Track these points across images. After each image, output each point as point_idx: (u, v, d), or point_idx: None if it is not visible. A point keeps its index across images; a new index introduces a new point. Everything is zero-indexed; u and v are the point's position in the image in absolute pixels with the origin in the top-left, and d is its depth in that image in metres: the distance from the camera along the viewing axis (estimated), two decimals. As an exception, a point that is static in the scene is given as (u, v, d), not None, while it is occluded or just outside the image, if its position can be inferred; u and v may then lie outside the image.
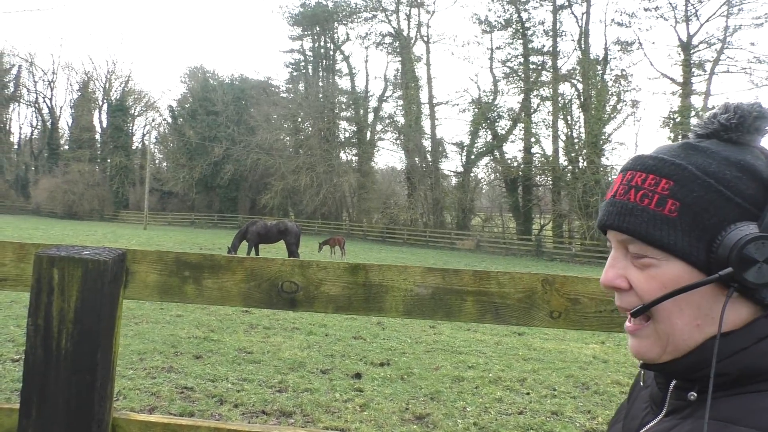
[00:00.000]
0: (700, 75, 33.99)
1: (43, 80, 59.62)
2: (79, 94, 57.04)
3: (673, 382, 0.78)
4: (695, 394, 0.74)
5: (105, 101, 57.07)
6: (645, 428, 0.80)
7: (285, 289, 1.28)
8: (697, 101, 33.81)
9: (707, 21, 34.00)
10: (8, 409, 1.30)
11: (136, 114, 58.50)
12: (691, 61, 33.66)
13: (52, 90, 60.05)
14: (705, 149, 0.76)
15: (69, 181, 51.32)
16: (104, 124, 56.93)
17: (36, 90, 59.39)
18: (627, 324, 0.80)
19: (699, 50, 34.00)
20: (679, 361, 0.76)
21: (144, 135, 58.78)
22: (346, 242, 24.17)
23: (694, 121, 32.01)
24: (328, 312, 1.27)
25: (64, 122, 60.74)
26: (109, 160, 56.04)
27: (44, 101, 59.29)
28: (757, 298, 0.72)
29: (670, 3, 33.96)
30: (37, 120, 60.82)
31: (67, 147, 57.56)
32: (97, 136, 57.54)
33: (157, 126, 58.75)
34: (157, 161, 56.90)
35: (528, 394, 5.86)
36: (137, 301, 9.57)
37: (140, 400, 5.02)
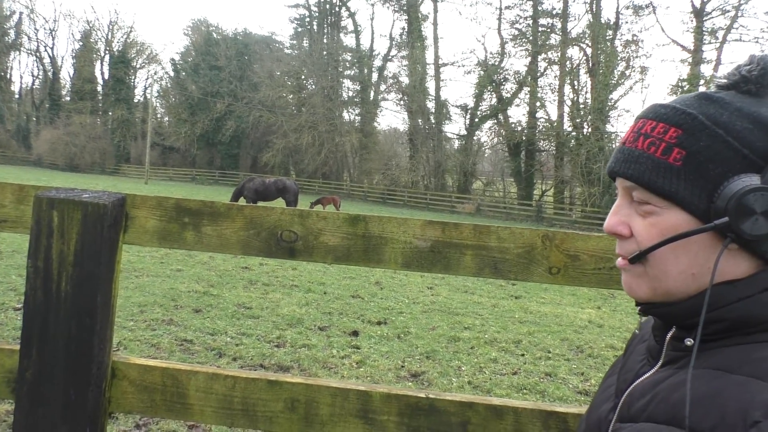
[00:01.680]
0: (711, 43, 33.44)
1: (45, 28, 59.06)
2: (81, 44, 56.23)
3: (670, 333, 0.79)
4: (692, 340, 0.74)
5: (107, 52, 56.30)
6: (641, 378, 0.80)
7: (284, 238, 1.27)
8: (706, 70, 33.35)
9: (722, -13, 33.10)
10: (9, 350, 1.32)
11: (138, 66, 57.84)
12: (704, 29, 33.05)
13: (53, 39, 59.68)
14: (719, 99, 0.75)
15: (70, 133, 51.03)
16: (106, 76, 56.29)
17: (37, 38, 58.60)
18: (618, 260, 0.81)
19: (712, 17, 33.36)
20: (678, 306, 0.76)
21: (146, 88, 58.30)
22: (342, 202, 23.80)
23: (702, 89, 31.61)
24: (327, 262, 1.27)
25: (66, 73, 60.26)
26: (110, 113, 55.61)
27: (45, 50, 58.57)
28: (758, 252, 0.71)
29: (684, -33, 33.14)
30: (38, 69, 60.14)
31: (68, 98, 57.04)
32: (99, 88, 56.94)
33: (159, 79, 58.17)
34: (158, 115, 56.45)
35: (523, 355, 5.95)
36: (138, 253, 9.66)
37: (140, 351, 5.09)
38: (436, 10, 43.90)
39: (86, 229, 1.21)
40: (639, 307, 0.83)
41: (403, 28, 45.39)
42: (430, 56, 43.75)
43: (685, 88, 32.21)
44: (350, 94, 48.60)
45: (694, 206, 0.72)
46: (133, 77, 57.21)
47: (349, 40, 49.46)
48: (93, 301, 1.23)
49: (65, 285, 1.23)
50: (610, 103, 34.09)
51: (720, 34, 33.11)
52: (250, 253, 1.28)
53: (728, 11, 32.74)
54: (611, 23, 35.49)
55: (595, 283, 1.22)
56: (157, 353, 5.08)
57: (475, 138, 41.62)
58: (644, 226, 0.76)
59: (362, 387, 1.26)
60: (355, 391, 1.26)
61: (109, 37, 56.46)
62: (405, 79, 44.74)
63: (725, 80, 0.79)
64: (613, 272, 1.21)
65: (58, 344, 1.24)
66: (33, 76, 61.27)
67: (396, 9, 45.80)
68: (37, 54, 58.72)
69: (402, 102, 45.02)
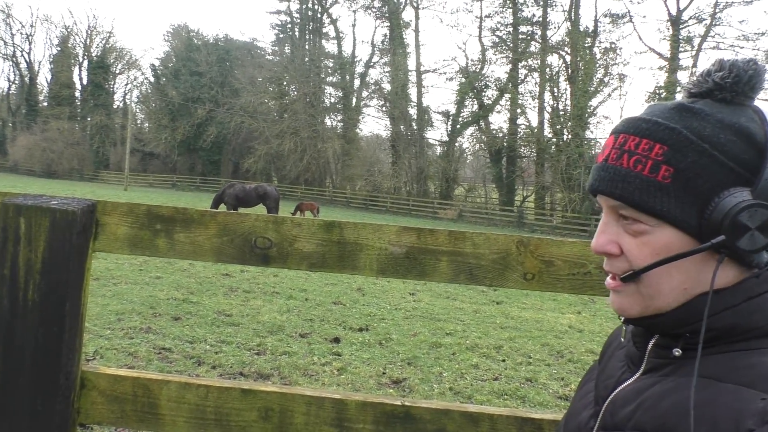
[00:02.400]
0: (687, 50, 34.02)
1: (21, 33, 58.19)
2: (59, 49, 55.61)
3: (653, 341, 0.79)
4: (680, 351, 0.73)
5: (85, 58, 55.71)
6: (622, 386, 0.80)
7: (258, 244, 1.26)
8: (683, 77, 33.90)
9: (698, -4, 33.72)
10: (-25, 360, 1.28)
11: (117, 72, 57.30)
12: (680, 36, 33.61)
13: (30, 44, 58.73)
14: (699, 111, 0.74)
15: (48, 139, 50.36)
16: (84, 81, 55.66)
17: (13, 43, 57.78)
18: (609, 281, 0.80)
19: (688, 25, 33.96)
20: (665, 316, 0.75)
21: (125, 94, 57.72)
22: (324, 208, 23.58)
23: (679, 96, 32.12)
24: (302, 269, 1.26)
25: (43, 78, 59.56)
26: (89, 119, 54.95)
27: (22, 55, 57.89)
28: (747, 261, 0.72)
29: (661, -24, 33.68)
30: (14, 75, 59.40)
31: (46, 104, 56.30)
32: (77, 94, 56.28)
33: (139, 85, 57.71)
34: (138, 121, 55.94)
35: (504, 361, 5.96)
36: (116, 261, 9.53)
37: (117, 359, 5.01)
38: (417, 17, 44.19)
39: (54, 237, 1.19)
40: (623, 318, 0.82)
41: (385, 35, 45.59)
42: (411, 63, 43.98)
43: (662, 95, 32.71)
44: (332, 100, 48.60)
45: (686, 224, 0.72)
46: (112, 83, 56.66)
47: (330, 47, 49.56)
48: (61, 310, 1.20)
49: (32, 293, 1.20)
50: (589, 110, 34.48)
51: (696, 41, 33.74)
52: (224, 260, 1.27)
53: (704, 19, 33.38)
54: (590, 31, 35.95)
55: (570, 289, 1.22)
56: (134, 362, 5.00)
57: (456, 144, 41.86)
58: (636, 245, 0.75)
59: (337, 395, 1.25)
60: (331, 399, 1.24)
61: (88, 42, 55.90)
62: (387, 86, 44.86)
63: (697, 88, 0.77)
64: (586, 278, 1.22)
65: (24, 354, 1.21)
66: (9, 81, 60.56)
67: (378, 16, 45.99)
68: (14, 59, 57.98)
69: (384, 108, 45.12)
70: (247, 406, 1.25)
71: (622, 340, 0.87)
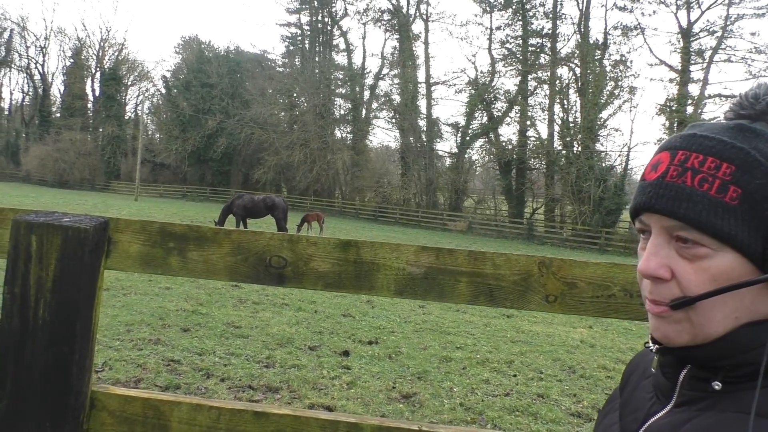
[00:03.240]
0: (698, 63, 33.89)
1: (35, 45, 58.77)
2: (72, 61, 56.23)
3: (685, 371, 0.75)
4: (720, 384, 0.69)
5: (98, 69, 56.30)
6: (654, 418, 0.76)
7: (273, 263, 1.23)
8: (694, 89, 33.77)
9: (708, 9, 33.62)
10: (-16, 379, 1.26)
11: (129, 83, 57.80)
12: (691, 49, 33.52)
13: (44, 56, 59.42)
14: (762, 133, 0.71)
15: (60, 150, 50.81)
16: (97, 93, 56.21)
17: (27, 55, 58.56)
18: (652, 306, 0.74)
19: (699, 38, 33.86)
20: (707, 347, 0.71)
21: (137, 105, 58.18)
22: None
23: (690, 109, 32.00)
24: (317, 289, 1.23)
25: (56, 89, 60.03)
26: (101, 130, 55.41)
27: (36, 67, 58.52)
28: None
29: (672, -11, 33.68)
30: (28, 86, 60.08)
31: (58, 115, 56.88)
32: (90, 105, 56.84)
33: (150, 96, 58.18)
34: (149, 132, 56.34)
35: (515, 376, 5.89)
36: (124, 272, 9.53)
37: (126, 371, 4.99)
38: (427, 30, 44.34)
39: (66, 255, 1.17)
40: (656, 346, 0.78)
41: (395, 47, 45.77)
42: (421, 75, 44.10)
43: (673, 108, 32.57)
44: (342, 111, 48.76)
45: (752, 249, 0.68)
46: (124, 94, 57.15)
47: (340, 59, 49.78)
48: (72, 329, 1.18)
49: (43, 312, 1.18)
50: (599, 122, 34.38)
51: (707, 54, 33.60)
52: (237, 279, 1.24)
53: (715, 32, 33.27)
54: (600, 44, 35.93)
55: (593, 312, 1.18)
56: (143, 374, 4.98)
57: (466, 156, 41.80)
58: (693, 270, 0.70)
59: (352, 419, 1.21)
60: (345, 423, 1.21)
61: (101, 54, 56.48)
62: (396, 98, 44.98)
63: (748, 110, 0.74)
64: (611, 300, 1.18)
65: (34, 374, 1.19)
66: (23, 92, 61.14)
67: (387, 28, 46.20)
68: (28, 71, 58.71)
69: (393, 120, 45.21)
70: (259, 430, 1.22)
71: (653, 370, 0.82)
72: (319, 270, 1.23)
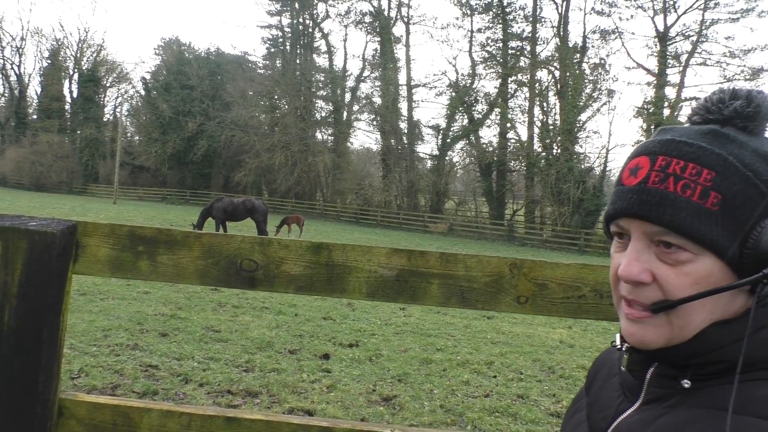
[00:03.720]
0: (675, 66, 34.41)
1: (11, 46, 57.72)
2: (49, 62, 55.33)
3: (652, 369, 0.76)
4: (689, 382, 0.71)
5: (76, 71, 55.47)
6: (623, 416, 0.77)
7: (244, 267, 1.22)
8: (670, 92, 34.28)
9: (684, 13, 34.30)
10: (-52, 387, 1.23)
11: (108, 85, 57.06)
12: (667, 53, 34.01)
13: (20, 57, 58.15)
14: (735, 138, 0.72)
15: (37, 152, 50.00)
16: (74, 95, 55.38)
17: (3, 56, 57.49)
18: (631, 311, 0.74)
19: (675, 42, 34.39)
20: (677, 347, 0.72)
21: (116, 107, 57.45)
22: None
23: (666, 111, 32.48)
24: (289, 292, 1.22)
25: (33, 91, 59.08)
26: (79, 132, 54.59)
27: (12, 68, 57.49)
28: (759, 290, 0.70)
29: (648, -7, 34.18)
30: (4, 87, 58.98)
31: (35, 117, 55.96)
32: (67, 107, 55.96)
33: (129, 98, 57.47)
34: (128, 134, 55.67)
35: (495, 377, 5.91)
36: (93, 276, 9.40)
37: (103, 377, 4.93)
38: (408, 32, 44.44)
39: (32, 260, 1.15)
40: (625, 345, 0.79)
41: (376, 50, 45.80)
42: (402, 77, 44.19)
43: (650, 110, 33.02)
44: (323, 114, 48.67)
45: (730, 253, 0.69)
46: (102, 96, 56.39)
47: (322, 61, 49.69)
48: (38, 336, 1.16)
49: (8, 318, 1.15)
50: (578, 125, 34.73)
51: (683, 58, 34.14)
52: (208, 283, 1.23)
53: (691, 36, 33.81)
54: (578, 47, 36.31)
55: (564, 313, 1.19)
56: (120, 380, 4.91)
57: (447, 158, 41.94)
58: (675, 274, 0.71)
59: (325, 423, 1.21)
60: (318, 427, 1.20)
61: (78, 55, 55.67)
62: (378, 100, 45.03)
63: (715, 115, 0.75)
64: (581, 301, 1.19)
65: None
66: (-2, 93, 60.02)
67: (369, 31, 46.23)
68: (3, 72, 57.64)
69: (375, 122, 45.22)
70: (231, 435, 1.21)
71: (623, 368, 0.83)
72: (291, 273, 1.22)
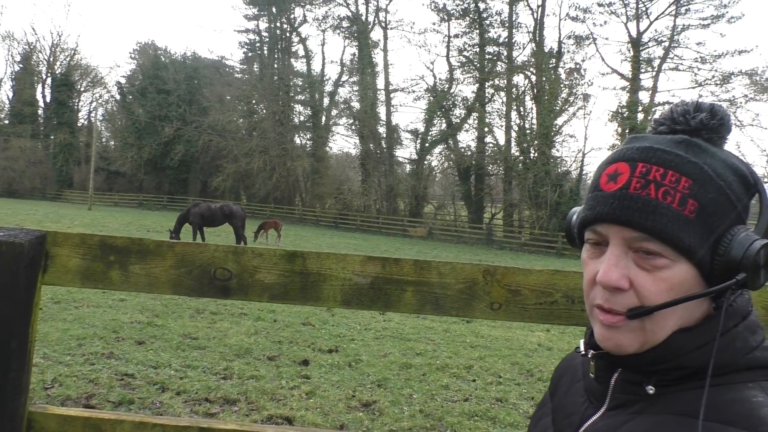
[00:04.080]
0: (648, 71, 35.00)
1: (-18, 50, 56.62)
2: (21, 66, 54.37)
3: (616, 375, 0.77)
4: (653, 388, 0.72)
5: (49, 75, 54.57)
6: (589, 422, 0.77)
7: (218, 276, 1.21)
8: (644, 97, 34.86)
9: (657, 19, 34.80)
10: None
11: (82, 89, 56.20)
12: (640, 58, 34.59)
13: (-9, 61, 57.10)
14: (706, 149, 0.74)
15: (9, 158, 49.08)
16: (48, 99, 54.46)
17: (-27, 60, 56.38)
18: (607, 317, 0.74)
19: (648, 47, 35.00)
20: (643, 354, 0.73)
21: (90, 112, 56.68)
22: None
23: (640, 116, 33.00)
24: (263, 301, 1.22)
25: (4, 95, 58.04)
26: (52, 137, 53.68)
27: (-18, 73, 56.40)
28: (726, 297, 0.73)
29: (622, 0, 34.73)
30: (-26, 92, 57.81)
31: (7, 122, 54.89)
32: (40, 111, 55.03)
33: (104, 103, 56.72)
34: (104, 139, 54.96)
35: (474, 381, 5.94)
36: (63, 287, 9.24)
37: (77, 387, 4.84)
38: (386, 37, 44.56)
39: (0, 270, 1.13)
40: (591, 351, 0.79)
41: (354, 55, 45.85)
42: (380, 82, 44.29)
43: (624, 115, 33.53)
44: (301, 118, 48.56)
45: (703, 260, 0.71)
46: (76, 100, 55.53)
47: (300, 66, 49.56)
48: (6, 347, 1.14)
49: (-25, 331, 1.13)
50: (554, 129, 35.12)
51: (656, 63, 34.75)
52: (181, 292, 1.22)
53: (663, 41, 34.43)
54: (554, 52, 36.77)
55: (537, 318, 1.20)
56: (95, 389, 4.83)
57: (425, 162, 42.12)
58: (653, 280, 0.72)
59: (300, 431, 1.20)
60: (293, 436, 1.20)
61: (52, 59, 54.77)
62: (356, 104, 45.08)
63: (682, 126, 0.76)
64: (553, 307, 1.20)
65: (-34, 395, 1.14)
66: (-31, 98, 58.74)
67: (347, 36, 46.27)
68: (-26, 76, 56.50)
69: (353, 127, 45.26)
70: (205, 446, 1.20)
71: (591, 375, 0.83)
72: (265, 282, 1.22)
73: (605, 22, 51.11)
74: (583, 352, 0.81)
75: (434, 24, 64.97)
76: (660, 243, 0.71)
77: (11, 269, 1.14)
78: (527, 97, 37.39)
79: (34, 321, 1.19)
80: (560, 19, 50.47)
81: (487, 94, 39.46)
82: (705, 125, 0.75)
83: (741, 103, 32.98)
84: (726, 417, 0.65)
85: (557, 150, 35.86)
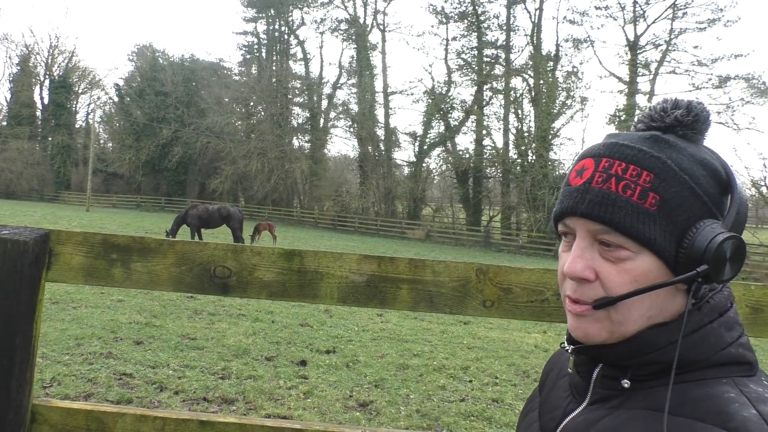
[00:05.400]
0: (645, 75, 35.08)
1: (-21, 52, 56.60)
2: (19, 68, 54.32)
3: (597, 370, 0.79)
4: (629, 382, 0.74)
5: (47, 77, 54.51)
6: (570, 417, 0.79)
7: (217, 273, 1.25)
8: (641, 100, 34.92)
9: (654, 22, 34.88)
10: None
11: (80, 91, 56.14)
12: (638, 61, 34.67)
13: (-11, 63, 57.00)
14: (674, 144, 0.76)
15: (7, 159, 49.04)
16: (46, 101, 54.39)
17: (-29, 62, 56.31)
18: (574, 306, 0.77)
19: (645, 51, 35.08)
20: (616, 347, 0.75)
21: (88, 113, 56.57)
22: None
23: (639, 113, 33.05)
24: (262, 298, 1.25)
25: (2, 97, 58.02)
26: (50, 139, 53.61)
27: (-20, 74, 56.34)
28: (694, 290, 0.73)
29: (619, 3, 34.85)
30: (-28, 94, 57.72)
31: (5, 123, 54.84)
32: (38, 113, 54.96)
33: (102, 105, 56.64)
34: (101, 141, 54.89)
35: (471, 381, 5.97)
36: (66, 284, 9.27)
37: (75, 386, 4.86)
38: (384, 40, 44.63)
39: (4, 268, 1.16)
40: (571, 347, 0.82)
41: (352, 57, 45.89)
42: (379, 84, 44.34)
43: (622, 118, 33.60)
44: (300, 120, 48.60)
45: (667, 252, 0.73)
46: (74, 102, 55.47)
47: (298, 68, 49.64)
48: (11, 343, 1.17)
49: (-19, 326, 1.16)
50: (552, 131, 35.19)
51: (653, 66, 34.84)
52: (182, 289, 1.25)
53: (660, 45, 34.51)
54: (552, 55, 36.87)
55: (528, 316, 1.23)
56: (93, 389, 4.85)
57: (424, 165, 42.17)
58: (616, 272, 0.74)
59: (297, 425, 1.24)
60: (291, 429, 1.23)
61: (50, 61, 54.69)
62: (354, 107, 45.13)
63: (659, 122, 0.79)
64: (545, 305, 1.24)
65: (-28, 389, 1.17)
66: (-33, 100, 58.64)
67: (345, 38, 46.35)
68: (-28, 78, 56.40)
69: (352, 129, 45.28)
70: (205, 439, 1.23)
71: (570, 370, 0.86)
72: (264, 279, 1.25)
73: (602, 26, 51.39)
74: (567, 348, 0.83)
75: (432, 27, 65.26)
76: (619, 235, 0.73)
77: (16, 267, 1.16)
78: (525, 100, 37.48)
79: (38, 317, 1.22)
80: (558, 22, 50.79)
81: (485, 97, 39.56)
82: (680, 122, 0.78)
83: (738, 106, 33.07)
84: (696, 413, 0.66)
85: (555, 153, 35.97)
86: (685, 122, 0.78)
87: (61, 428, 1.24)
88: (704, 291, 0.76)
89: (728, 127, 32.16)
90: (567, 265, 0.77)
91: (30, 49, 55.07)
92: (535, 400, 0.93)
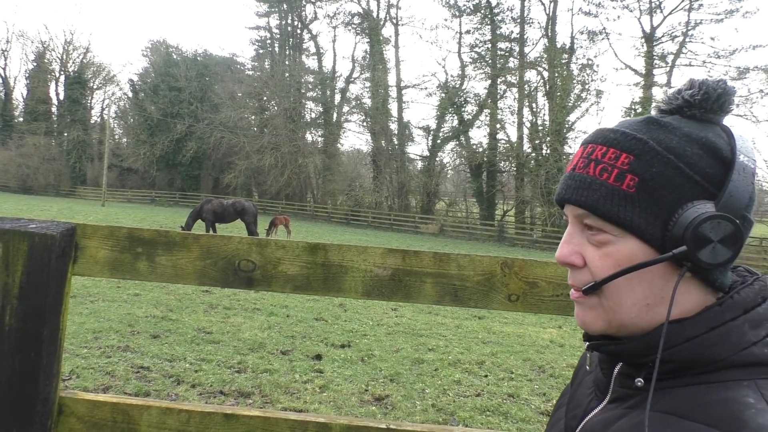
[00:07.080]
0: (662, 67, 34.69)
1: (-4, 49, 57.16)
2: (35, 64, 54.86)
3: (617, 368, 0.76)
4: (642, 381, 0.71)
5: (62, 73, 55.02)
6: (590, 415, 0.78)
7: (242, 267, 1.25)
8: (658, 93, 34.54)
9: (670, 14, 34.45)
10: (-52, 388, 1.24)
11: (95, 87, 56.61)
12: (654, 53, 34.29)
13: (5, 59, 57.91)
14: (667, 124, 0.74)
15: (23, 155, 49.63)
16: (61, 97, 54.93)
17: (-12, 59, 56.97)
18: (572, 293, 0.78)
19: (662, 42, 34.66)
20: (629, 344, 0.73)
21: (103, 109, 57.03)
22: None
23: (653, 112, 32.75)
24: (286, 291, 1.25)
25: (19, 93, 58.54)
26: (66, 134, 54.16)
27: (-3, 71, 56.95)
28: (710, 279, 0.70)
29: (635, -6, 34.45)
30: (-11, 90, 58.35)
31: (21, 119, 55.47)
32: (54, 109, 55.51)
33: (117, 100, 57.03)
34: (116, 136, 55.29)
35: (486, 376, 5.96)
36: (93, 277, 9.37)
37: (94, 379, 4.92)
38: (397, 34, 44.49)
39: (33, 261, 1.17)
40: (588, 343, 0.80)
41: (365, 51, 45.82)
42: (392, 78, 44.21)
43: (638, 111, 33.27)
44: (313, 115, 48.62)
45: (649, 234, 0.70)
46: (89, 98, 55.95)
47: (311, 62, 49.64)
48: (39, 336, 1.18)
49: (9, 319, 1.17)
50: (567, 125, 34.92)
51: (669, 58, 34.43)
52: (206, 283, 1.25)
53: (677, 37, 34.10)
54: (566, 48, 36.51)
55: (554, 310, 1.22)
56: (111, 381, 4.91)
57: (437, 159, 42.00)
58: (599, 256, 0.73)
59: (322, 419, 1.24)
60: (315, 423, 1.23)
61: (65, 57, 55.20)
62: (368, 101, 45.03)
63: (667, 105, 0.78)
64: (570, 299, 1.22)
65: (0, 380, 1.18)
66: (-16, 97, 59.35)
67: (358, 32, 46.25)
68: (-11, 74, 57.07)
69: (365, 123, 45.23)
70: (230, 432, 1.23)
71: (587, 367, 0.84)
72: (288, 273, 1.25)
73: (618, 17, 50.57)
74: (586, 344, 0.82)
75: (446, 20, 64.99)
76: (598, 218, 0.73)
77: (44, 260, 1.17)
78: (539, 94, 37.19)
79: (65, 310, 1.23)
80: (573, 14, 50.28)
81: (499, 91, 39.28)
82: (688, 102, 0.75)
83: (757, 98, 32.66)
84: (708, 418, 0.62)
85: (570, 147, 35.63)
86: (693, 102, 0.75)
87: (87, 420, 1.26)
88: (733, 284, 0.73)
89: (747, 119, 31.73)
90: (557, 251, 0.78)
91: (45, 45, 55.66)
92: (567, 395, 0.92)
